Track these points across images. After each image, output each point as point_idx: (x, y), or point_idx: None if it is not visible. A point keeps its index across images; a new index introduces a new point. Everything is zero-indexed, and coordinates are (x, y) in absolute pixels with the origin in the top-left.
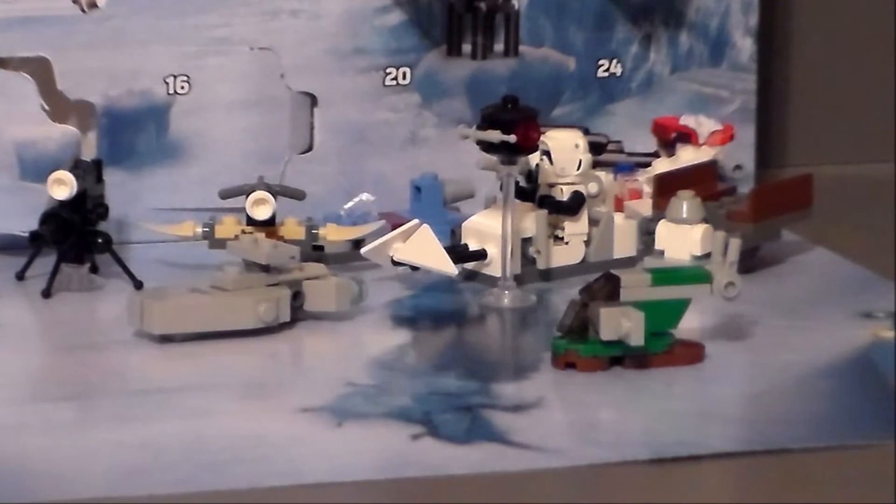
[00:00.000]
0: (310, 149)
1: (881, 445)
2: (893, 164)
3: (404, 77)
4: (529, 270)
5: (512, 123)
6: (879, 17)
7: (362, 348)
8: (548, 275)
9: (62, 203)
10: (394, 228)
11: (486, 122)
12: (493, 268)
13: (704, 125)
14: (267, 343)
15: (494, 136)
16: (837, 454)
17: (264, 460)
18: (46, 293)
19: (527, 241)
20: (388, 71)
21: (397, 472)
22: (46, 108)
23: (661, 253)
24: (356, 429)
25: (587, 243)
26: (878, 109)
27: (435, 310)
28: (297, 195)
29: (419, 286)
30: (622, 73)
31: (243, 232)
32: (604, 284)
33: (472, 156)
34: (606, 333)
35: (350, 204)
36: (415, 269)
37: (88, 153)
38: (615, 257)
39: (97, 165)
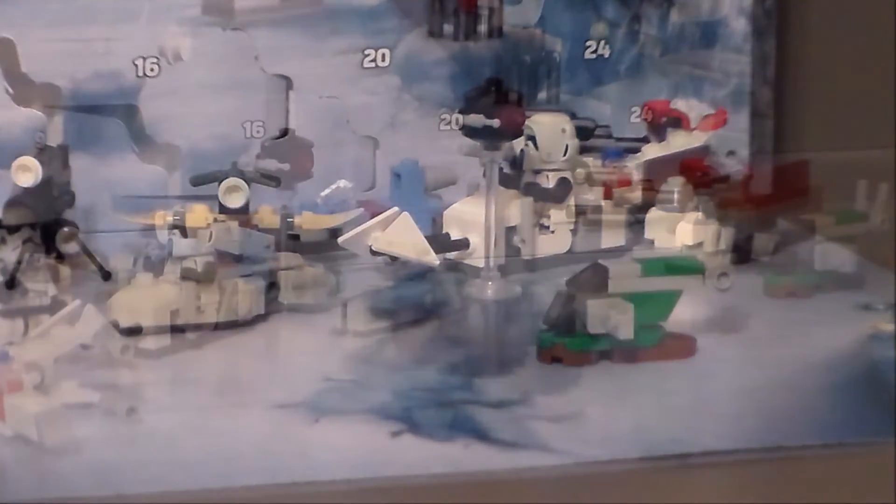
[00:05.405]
0: (285, 134)
1: (881, 443)
2: (893, 150)
3: (383, 59)
4: (514, 260)
5: (496, 107)
6: None
7: (340, 342)
8: (533, 265)
9: (26, 190)
10: (372, 216)
11: (469, 106)
12: (476, 257)
13: (696, 109)
14: (240, 336)
15: (477, 120)
16: (835, 452)
17: (238, 458)
18: (10, 284)
19: (511, 230)
20: (366, 52)
21: (376, 471)
22: (10, 91)
23: (651, 242)
24: (334, 425)
25: (574, 232)
26: (877, 94)
27: (415, 301)
28: (272, 182)
29: (399, 277)
30: (610, 54)
31: (215, 220)
32: (591, 275)
33: (454, 141)
34: (594, 326)
35: (327, 191)
36: (394, 258)
37: (54, 138)
38: (603, 247)
39: (63, 151)
